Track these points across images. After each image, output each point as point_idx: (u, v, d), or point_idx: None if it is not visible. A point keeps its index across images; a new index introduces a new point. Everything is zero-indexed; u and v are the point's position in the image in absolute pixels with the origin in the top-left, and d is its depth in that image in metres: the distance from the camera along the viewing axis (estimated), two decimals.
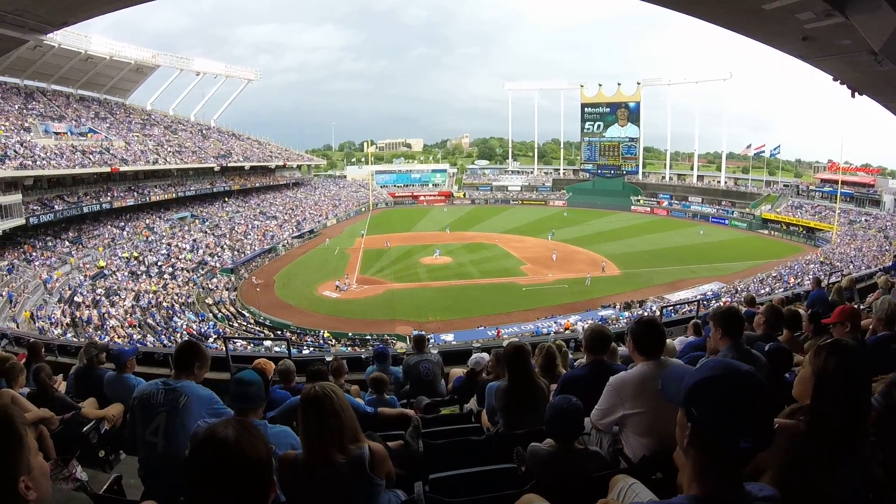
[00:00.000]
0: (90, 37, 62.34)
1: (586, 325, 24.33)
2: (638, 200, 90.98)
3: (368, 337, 33.73)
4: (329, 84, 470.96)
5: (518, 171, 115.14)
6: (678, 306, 23.21)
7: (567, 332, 27.75)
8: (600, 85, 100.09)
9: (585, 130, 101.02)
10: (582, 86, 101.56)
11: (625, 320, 31.22)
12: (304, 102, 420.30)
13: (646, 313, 32.18)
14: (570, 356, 8.03)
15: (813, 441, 2.44)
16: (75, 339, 22.91)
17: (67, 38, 57.27)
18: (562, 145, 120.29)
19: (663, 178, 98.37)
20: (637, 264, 51.33)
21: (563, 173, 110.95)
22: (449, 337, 30.63)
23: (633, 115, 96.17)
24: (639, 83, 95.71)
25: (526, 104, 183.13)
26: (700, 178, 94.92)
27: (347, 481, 2.97)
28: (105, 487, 3.87)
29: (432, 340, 27.85)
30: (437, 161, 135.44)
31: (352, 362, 8.50)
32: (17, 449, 1.62)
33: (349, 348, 29.94)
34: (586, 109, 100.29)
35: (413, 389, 7.55)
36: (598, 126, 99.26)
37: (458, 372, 8.09)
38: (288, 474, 2.99)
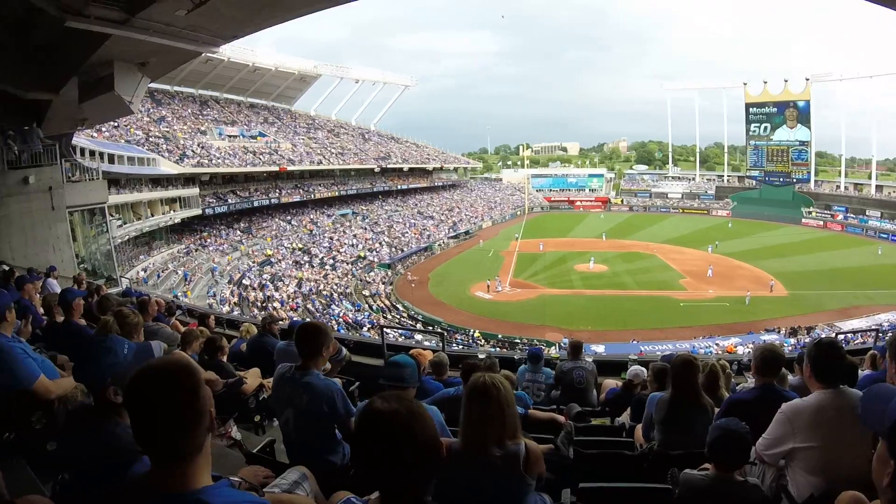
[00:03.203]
0: (255, 50, 67.93)
1: (749, 349, 22.62)
2: (809, 212, 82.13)
3: (518, 340, 33.46)
4: (484, 88, 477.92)
5: (678, 178, 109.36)
6: (851, 336, 21.23)
7: (728, 354, 26.00)
8: (765, 82, 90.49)
9: (751, 133, 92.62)
10: (745, 84, 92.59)
11: (790, 347, 29.01)
12: (460, 107, 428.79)
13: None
14: (732, 380, 7.57)
15: None
16: (240, 316, 24.74)
17: (235, 52, 62.71)
18: (725, 149, 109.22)
19: (837, 187, 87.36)
20: (805, 285, 46.49)
21: (728, 180, 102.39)
22: (600, 348, 29.58)
23: (803, 116, 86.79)
24: (807, 79, 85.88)
25: (686, 105, 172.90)
26: (878, 188, 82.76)
27: (499, 475, 2.94)
28: (258, 448, 4.14)
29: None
30: (594, 165, 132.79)
31: (504, 362, 8.45)
32: (206, 394, 1.76)
33: (498, 349, 29.96)
34: (751, 110, 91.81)
35: (564, 396, 7.42)
36: (765, 128, 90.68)
37: (611, 383, 7.83)
38: None
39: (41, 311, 7.26)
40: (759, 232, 73.94)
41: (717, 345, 31.49)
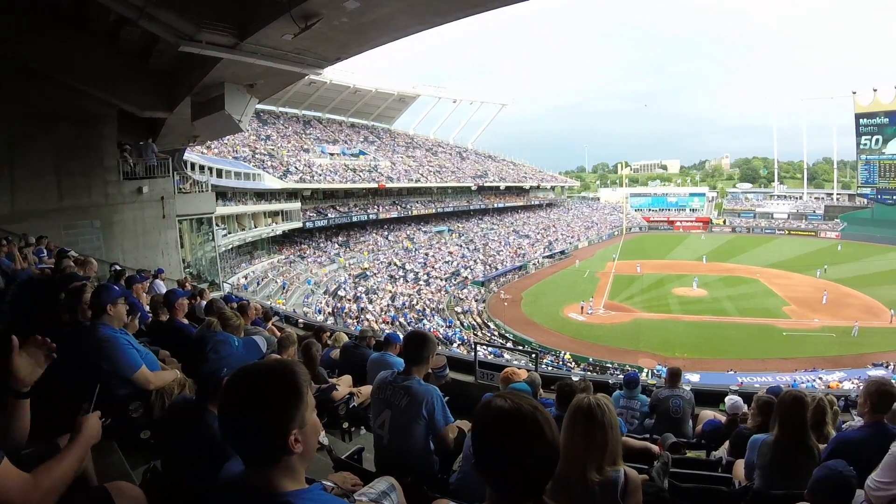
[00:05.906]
0: (356, 72, 70.51)
1: (855, 385, 21.02)
2: None
3: (609, 364, 32.80)
4: (583, 107, 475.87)
5: (784, 196, 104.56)
6: None
7: (831, 391, 23.61)
8: (875, 90, 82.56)
9: (862, 146, 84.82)
10: (854, 93, 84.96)
11: None
12: (558, 125, 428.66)
13: None
14: (839, 417, 7.06)
15: None
16: (333, 325, 25.75)
17: (337, 74, 65.51)
18: (835, 165, 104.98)
19: None
20: None
21: (837, 198, 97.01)
22: (695, 377, 28.22)
23: None
24: None
25: (792, 118, 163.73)
26: None
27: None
28: (347, 454, 4.17)
29: None
30: (695, 184, 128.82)
31: (598, 386, 8.16)
32: (297, 403, 1.72)
33: (588, 372, 29.29)
34: (861, 121, 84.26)
35: (658, 425, 7.20)
36: (877, 141, 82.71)
37: (709, 414, 7.51)
38: None
39: (147, 309, 7.66)
40: (872, 256, 68.30)
41: (820, 379, 29.46)
